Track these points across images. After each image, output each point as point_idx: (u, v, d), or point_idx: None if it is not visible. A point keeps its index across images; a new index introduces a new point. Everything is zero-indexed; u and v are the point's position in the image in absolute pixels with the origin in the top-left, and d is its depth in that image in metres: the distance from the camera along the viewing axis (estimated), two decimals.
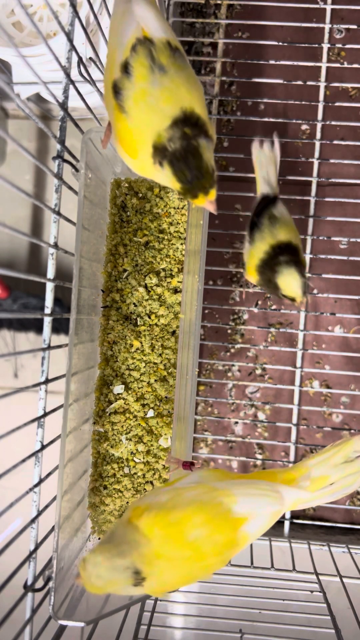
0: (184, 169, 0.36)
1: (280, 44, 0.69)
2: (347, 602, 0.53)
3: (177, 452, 0.49)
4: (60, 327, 0.81)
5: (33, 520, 0.44)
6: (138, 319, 0.54)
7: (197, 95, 0.38)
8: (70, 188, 0.45)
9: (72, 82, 0.42)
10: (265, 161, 0.55)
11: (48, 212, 0.65)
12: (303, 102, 0.69)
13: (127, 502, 0.54)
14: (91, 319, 0.53)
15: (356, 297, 0.68)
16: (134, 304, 0.54)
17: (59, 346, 0.47)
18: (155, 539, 0.35)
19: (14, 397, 0.38)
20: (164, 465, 0.53)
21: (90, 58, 0.53)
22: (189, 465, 0.46)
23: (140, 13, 0.39)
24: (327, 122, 0.69)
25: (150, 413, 0.53)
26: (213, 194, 0.37)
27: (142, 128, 0.37)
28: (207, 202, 0.37)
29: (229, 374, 0.71)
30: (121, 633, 0.47)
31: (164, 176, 0.37)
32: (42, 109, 0.85)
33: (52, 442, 0.47)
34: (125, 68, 0.37)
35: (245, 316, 0.72)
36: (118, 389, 0.54)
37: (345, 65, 0.70)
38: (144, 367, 0.54)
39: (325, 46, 0.69)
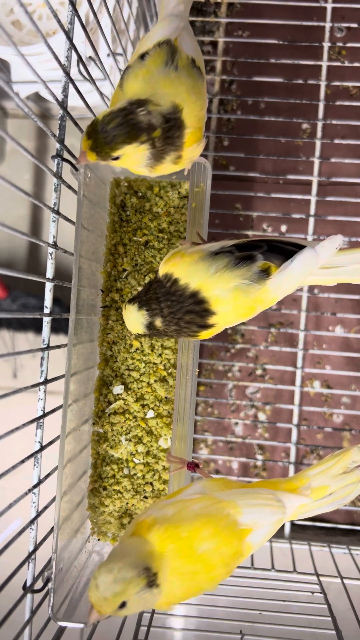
0: (116, 121, 0.36)
1: (281, 42, 0.69)
2: (347, 603, 0.53)
3: (177, 453, 0.48)
4: (59, 327, 0.81)
5: (32, 521, 0.44)
6: None
7: (194, 100, 0.39)
8: (69, 187, 0.45)
9: (72, 81, 0.42)
10: None
11: (47, 211, 0.64)
12: (304, 101, 0.69)
13: (127, 503, 0.53)
14: (91, 319, 0.52)
15: (357, 297, 0.68)
16: None
17: (59, 346, 0.47)
18: (167, 554, 0.35)
19: (13, 397, 0.38)
20: (163, 466, 0.53)
21: (90, 57, 0.53)
22: (193, 466, 0.46)
23: (185, 36, 0.41)
24: (328, 121, 0.69)
25: (150, 414, 0.53)
26: (92, 156, 0.37)
27: (134, 85, 0.39)
28: (83, 152, 0.37)
29: (229, 374, 0.71)
30: (121, 634, 0.47)
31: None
32: (42, 108, 0.84)
33: (51, 442, 0.46)
34: (142, 56, 0.39)
35: None
36: (118, 389, 0.54)
37: (346, 64, 0.70)
38: (144, 367, 0.54)
39: (326, 45, 0.69)
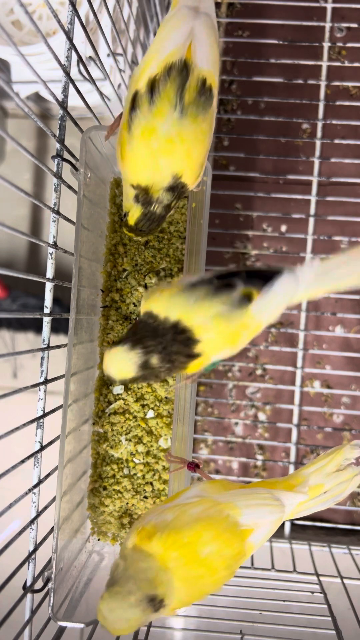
0: (146, 226, 0.42)
1: (281, 42, 0.69)
2: (348, 603, 0.53)
3: (177, 453, 0.48)
4: (59, 327, 0.81)
5: (32, 521, 0.44)
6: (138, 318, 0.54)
7: (195, 156, 0.39)
8: (69, 187, 0.45)
9: (72, 81, 0.42)
10: None
11: (47, 211, 0.64)
12: (304, 101, 0.69)
13: (127, 503, 0.53)
14: (91, 319, 0.52)
15: (357, 297, 0.68)
16: (133, 303, 0.54)
17: (59, 346, 0.47)
18: (170, 562, 0.35)
19: (13, 397, 0.38)
20: (163, 466, 0.53)
21: (90, 57, 0.53)
22: (193, 467, 0.46)
23: (200, 34, 0.39)
24: (328, 121, 0.69)
25: (150, 414, 0.53)
26: (131, 235, 0.44)
27: (137, 160, 0.39)
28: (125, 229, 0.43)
29: (229, 374, 0.71)
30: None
31: (131, 204, 0.41)
32: (42, 108, 0.84)
33: (51, 442, 0.46)
34: (152, 87, 0.38)
35: None
36: (117, 389, 0.54)
37: (346, 64, 0.70)
38: None
39: (326, 45, 0.69)
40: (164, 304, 0.40)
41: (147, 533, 0.36)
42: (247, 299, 0.40)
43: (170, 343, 0.39)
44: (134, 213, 0.41)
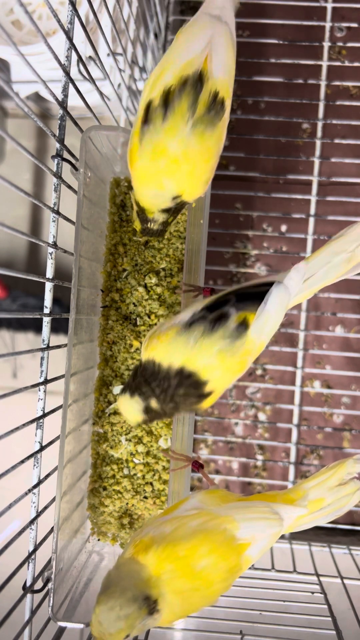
0: (149, 236, 0.45)
1: (281, 42, 0.69)
2: (348, 603, 0.53)
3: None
4: (59, 327, 0.81)
5: (32, 522, 0.44)
6: (138, 318, 0.54)
7: (198, 174, 0.40)
8: (69, 187, 0.45)
9: (72, 81, 0.42)
10: None
11: (47, 211, 0.64)
12: (304, 101, 0.69)
13: (127, 503, 0.53)
14: (90, 319, 0.52)
15: (357, 297, 0.68)
16: (133, 303, 0.54)
17: (58, 346, 0.47)
18: (165, 575, 0.34)
19: (13, 397, 0.38)
20: (163, 466, 0.53)
21: (90, 57, 0.53)
22: (197, 466, 0.46)
23: (218, 42, 0.39)
24: (328, 121, 0.69)
25: None
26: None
27: (143, 177, 0.40)
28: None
29: None
30: None
31: (135, 214, 0.43)
32: (42, 108, 0.84)
33: (51, 443, 0.46)
34: (166, 100, 0.38)
35: None
36: (118, 389, 0.54)
37: (346, 63, 0.70)
38: None
39: (326, 44, 0.69)
40: (165, 352, 0.40)
41: (144, 545, 0.36)
42: (243, 325, 0.40)
43: (174, 388, 0.40)
44: (136, 225, 0.44)
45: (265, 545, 0.39)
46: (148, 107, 0.39)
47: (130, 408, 0.41)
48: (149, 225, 0.43)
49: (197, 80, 0.38)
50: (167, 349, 0.40)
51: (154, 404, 0.40)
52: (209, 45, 0.39)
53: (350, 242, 0.42)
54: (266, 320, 0.40)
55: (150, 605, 0.33)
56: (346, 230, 0.43)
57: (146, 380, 0.40)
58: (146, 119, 0.39)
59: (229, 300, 0.41)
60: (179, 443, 0.48)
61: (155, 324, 0.53)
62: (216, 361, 0.39)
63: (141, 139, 0.39)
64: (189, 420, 0.48)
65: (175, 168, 0.39)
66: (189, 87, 0.38)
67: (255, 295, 0.41)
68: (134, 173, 0.41)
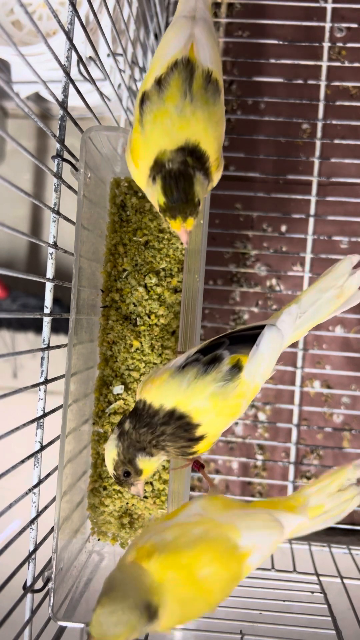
0: (173, 187, 0.37)
1: (281, 42, 0.69)
2: (348, 603, 0.53)
3: None
4: (59, 327, 0.81)
5: (32, 521, 0.44)
6: (138, 318, 0.54)
7: (211, 133, 0.39)
8: (69, 187, 0.45)
9: (72, 81, 0.42)
10: None
11: (47, 211, 0.64)
12: (304, 101, 0.69)
13: (127, 503, 0.53)
14: (91, 319, 0.52)
15: None
16: (133, 303, 0.54)
17: (59, 346, 0.47)
18: (167, 583, 0.34)
19: (13, 397, 0.38)
20: (163, 466, 0.53)
21: (90, 57, 0.53)
22: (199, 466, 0.46)
23: (200, 37, 0.40)
24: (328, 121, 0.69)
25: None
26: (191, 222, 0.38)
27: (151, 144, 0.39)
28: (182, 229, 0.38)
29: None
30: None
31: (153, 190, 0.39)
32: (42, 108, 0.84)
33: (51, 442, 0.46)
34: (159, 82, 0.39)
35: (246, 316, 0.71)
36: (118, 389, 0.54)
37: (346, 64, 0.70)
38: (144, 367, 0.54)
39: (326, 45, 0.69)
40: (157, 393, 0.40)
41: (146, 552, 0.36)
42: (237, 367, 0.40)
43: (160, 431, 0.39)
44: (158, 196, 0.38)
45: (265, 554, 0.38)
46: (142, 99, 0.39)
47: (112, 452, 0.41)
48: (167, 166, 0.38)
49: (187, 62, 0.39)
50: (160, 390, 0.40)
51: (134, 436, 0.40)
52: (190, 40, 0.40)
53: (337, 277, 0.42)
54: (259, 363, 0.40)
55: (150, 612, 0.33)
56: (332, 267, 0.43)
57: (132, 420, 0.40)
58: (142, 102, 0.39)
59: (223, 343, 0.41)
60: None
61: (156, 324, 0.54)
62: (208, 404, 0.39)
63: (141, 120, 0.39)
64: None
65: (185, 124, 0.38)
66: (180, 66, 0.39)
67: (248, 337, 0.41)
68: (142, 151, 0.39)
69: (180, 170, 0.37)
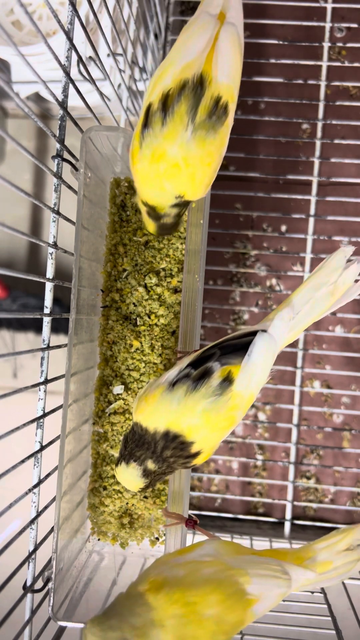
0: (165, 233, 0.45)
1: (281, 42, 0.69)
2: (348, 603, 0.53)
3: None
4: (59, 327, 0.81)
5: (32, 521, 0.44)
6: (138, 318, 0.54)
7: (199, 178, 0.40)
8: (69, 187, 0.45)
9: (72, 81, 0.42)
10: None
11: (47, 211, 0.64)
12: (304, 101, 0.69)
13: (127, 503, 0.53)
14: (91, 319, 0.52)
15: (357, 297, 0.68)
16: (133, 303, 0.54)
17: (59, 346, 0.47)
18: (173, 618, 0.35)
19: (13, 397, 0.38)
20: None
21: (90, 57, 0.53)
22: (192, 524, 0.45)
23: (224, 45, 0.38)
24: (328, 121, 0.69)
25: None
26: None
27: (145, 180, 0.40)
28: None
29: None
30: None
31: (146, 217, 0.43)
32: (42, 108, 0.84)
33: (51, 442, 0.46)
34: (165, 104, 0.38)
35: (246, 316, 0.71)
36: (118, 389, 0.54)
37: (346, 64, 0.70)
38: (144, 367, 0.54)
39: (326, 45, 0.69)
40: (150, 416, 0.40)
41: (157, 584, 0.36)
42: (227, 380, 0.39)
43: (161, 450, 0.40)
44: (149, 226, 0.44)
45: (270, 605, 0.38)
46: (148, 111, 0.39)
47: (129, 477, 0.41)
48: (162, 220, 0.42)
49: (198, 84, 0.37)
50: (152, 412, 0.40)
51: (150, 465, 0.40)
52: (209, 46, 0.38)
53: (329, 273, 0.41)
54: (252, 372, 0.39)
55: None
56: (325, 261, 0.42)
57: (137, 445, 0.40)
58: (146, 123, 0.39)
59: (213, 354, 0.40)
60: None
61: (156, 324, 0.54)
62: (200, 421, 0.39)
63: (141, 142, 0.39)
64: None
65: (175, 172, 0.39)
66: (187, 90, 0.37)
67: (240, 346, 0.40)
68: (136, 175, 0.41)
69: (173, 223, 0.43)
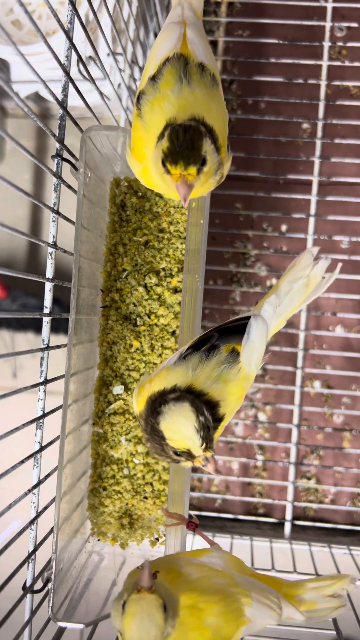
0: (180, 133, 0.35)
1: (281, 42, 0.69)
2: (348, 603, 0.53)
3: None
4: (59, 327, 0.81)
5: (32, 522, 0.44)
6: (138, 318, 0.54)
7: (214, 109, 0.39)
8: (69, 187, 0.45)
9: (72, 81, 0.42)
10: None
11: (47, 211, 0.64)
12: (304, 101, 0.69)
13: (127, 504, 0.53)
14: (90, 319, 0.52)
15: (357, 297, 0.68)
16: (133, 303, 0.54)
17: (58, 346, 0.47)
18: (181, 616, 0.35)
19: (13, 397, 0.38)
20: (163, 467, 0.53)
21: (90, 56, 0.53)
22: (193, 527, 0.45)
23: (193, 38, 0.41)
24: (328, 121, 0.69)
25: None
26: (193, 172, 0.35)
27: (152, 131, 0.38)
28: (181, 180, 0.35)
29: None
30: None
31: (159, 150, 0.36)
32: (41, 108, 0.84)
33: (51, 443, 0.46)
34: (153, 77, 0.39)
35: None
36: (117, 389, 0.54)
37: (346, 63, 0.70)
38: (144, 367, 0.54)
39: (326, 44, 0.69)
40: (165, 382, 0.39)
41: (175, 574, 0.37)
42: (234, 352, 0.41)
43: (201, 405, 0.37)
44: (163, 145, 0.36)
45: (253, 631, 0.39)
46: (139, 97, 0.40)
47: (186, 412, 0.36)
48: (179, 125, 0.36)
49: (180, 56, 0.39)
50: (166, 379, 0.39)
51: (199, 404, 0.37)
52: (180, 40, 0.40)
53: (302, 269, 0.45)
54: (252, 350, 0.41)
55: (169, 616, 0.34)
56: (296, 260, 0.46)
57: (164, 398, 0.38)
58: (139, 98, 0.39)
59: (212, 336, 0.42)
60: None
61: (156, 324, 0.53)
62: (219, 385, 0.40)
63: (140, 115, 0.39)
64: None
65: (185, 102, 0.37)
66: (172, 59, 0.39)
67: (236, 329, 0.42)
68: (140, 130, 0.39)
69: (190, 125, 0.36)
